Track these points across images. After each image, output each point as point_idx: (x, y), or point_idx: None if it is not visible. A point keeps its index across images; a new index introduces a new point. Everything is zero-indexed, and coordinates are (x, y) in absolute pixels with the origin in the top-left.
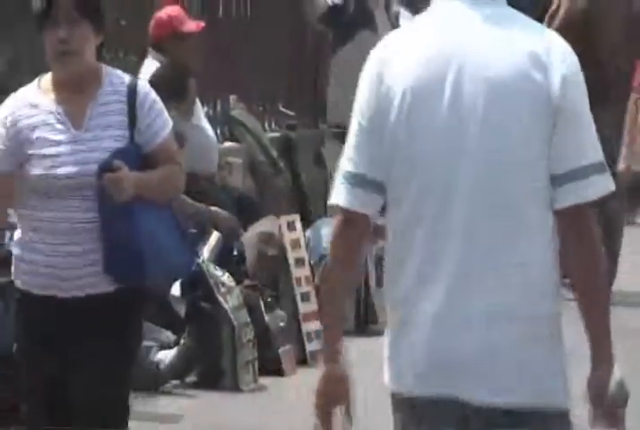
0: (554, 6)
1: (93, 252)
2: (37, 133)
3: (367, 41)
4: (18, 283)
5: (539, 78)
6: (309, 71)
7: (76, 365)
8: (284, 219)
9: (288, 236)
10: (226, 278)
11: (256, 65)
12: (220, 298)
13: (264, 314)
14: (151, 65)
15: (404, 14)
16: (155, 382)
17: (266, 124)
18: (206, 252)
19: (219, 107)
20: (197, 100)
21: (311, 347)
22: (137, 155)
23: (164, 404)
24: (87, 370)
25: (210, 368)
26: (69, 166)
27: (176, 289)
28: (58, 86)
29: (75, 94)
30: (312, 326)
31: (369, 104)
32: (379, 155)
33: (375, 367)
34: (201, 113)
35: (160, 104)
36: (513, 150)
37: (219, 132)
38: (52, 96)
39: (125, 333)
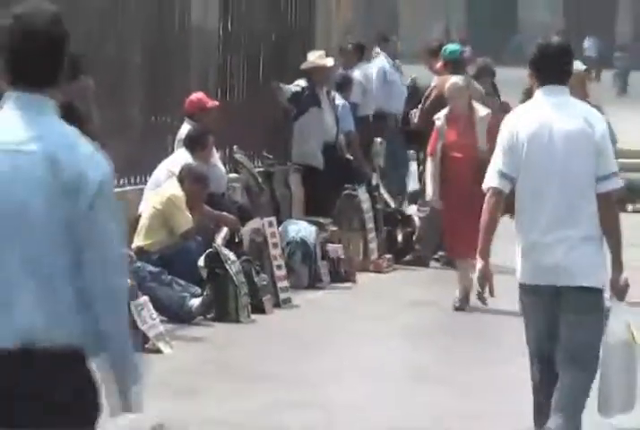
0: (428, 92)
1: None
2: None
3: (315, 114)
4: None
5: (589, 131)
6: (281, 131)
7: None
8: (266, 220)
9: (268, 230)
10: (231, 255)
11: (250, 128)
12: (228, 267)
13: (254, 277)
14: (185, 128)
15: (338, 97)
16: (189, 318)
17: (255, 163)
18: (219, 239)
19: (227, 153)
20: (214, 149)
21: (282, 296)
22: None
23: (195, 331)
24: None
25: (222, 310)
26: None
27: (201, 261)
28: None
29: None
30: (283, 284)
31: (509, 144)
32: (513, 164)
33: (319, 310)
34: (216, 156)
35: None
36: (579, 165)
37: (227, 167)
38: None
39: None
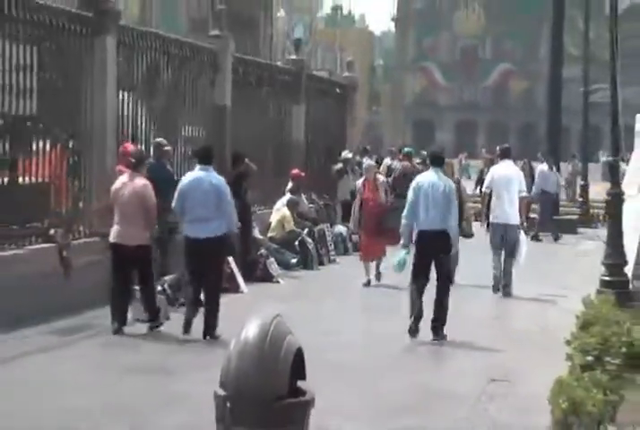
0: (396, 171)
1: None
2: None
3: (347, 178)
4: None
5: (517, 175)
6: (333, 185)
7: None
8: (325, 225)
9: (326, 229)
10: (310, 240)
11: (319, 183)
12: (308, 246)
13: (319, 250)
14: (290, 184)
15: (356, 170)
16: (291, 268)
17: (321, 199)
18: (304, 233)
19: (309, 194)
20: (302, 193)
21: (332, 258)
22: None
23: (293, 274)
24: None
25: (305, 264)
26: None
27: (296, 243)
28: None
29: None
30: (332, 253)
31: (491, 179)
32: (490, 186)
33: (349, 264)
34: (303, 196)
35: None
36: (514, 186)
37: (308, 201)
38: None
39: None
